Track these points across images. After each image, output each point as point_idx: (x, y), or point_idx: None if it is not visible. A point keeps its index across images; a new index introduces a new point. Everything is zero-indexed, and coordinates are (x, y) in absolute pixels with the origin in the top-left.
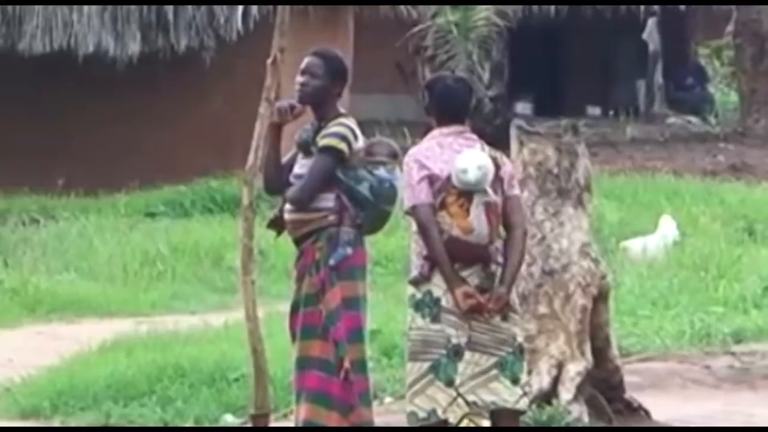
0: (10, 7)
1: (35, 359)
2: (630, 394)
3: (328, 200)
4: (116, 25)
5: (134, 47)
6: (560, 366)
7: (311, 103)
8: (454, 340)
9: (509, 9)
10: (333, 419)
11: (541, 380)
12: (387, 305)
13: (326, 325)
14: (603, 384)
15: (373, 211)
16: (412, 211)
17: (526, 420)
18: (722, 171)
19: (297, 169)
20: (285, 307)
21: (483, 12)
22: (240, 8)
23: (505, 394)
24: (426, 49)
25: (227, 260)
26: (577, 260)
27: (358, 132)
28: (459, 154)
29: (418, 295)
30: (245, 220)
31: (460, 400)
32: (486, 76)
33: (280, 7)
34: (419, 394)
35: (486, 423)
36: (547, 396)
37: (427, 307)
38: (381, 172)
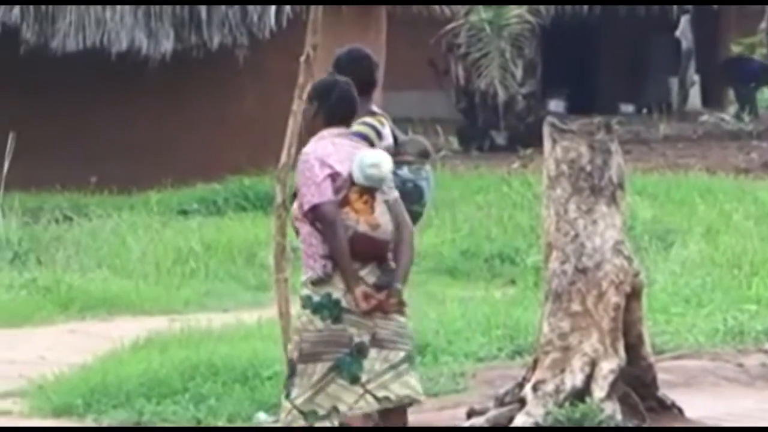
0: (43, 5)
1: (68, 357)
2: (663, 391)
3: None
4: (149, 22)
5: (167, 45)
6: (593, 364)
7: None
8: (357, 339)
9: (542, 7)
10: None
11: (574, 378)
12: (420, 303)
13: None
14: (636, 382)
15: None
16: (317, 209)
17: (560, 418)
18: (755, 168)
19: None
20: None
21: (516, 10)
22: (273, 6)
23: (417, 387)
24: (459, 47)
25: (260, 258)
26: (610, 258)
27: (382, 131)
28: (353, 153)
29: (316, 298)
30: (278, 217)
31: (368, 396)
32: (519, 74)
33: (313, 5)
34: (321, 393)
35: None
36: (580, 394)
37: (327, 309)
38: (404, 172)
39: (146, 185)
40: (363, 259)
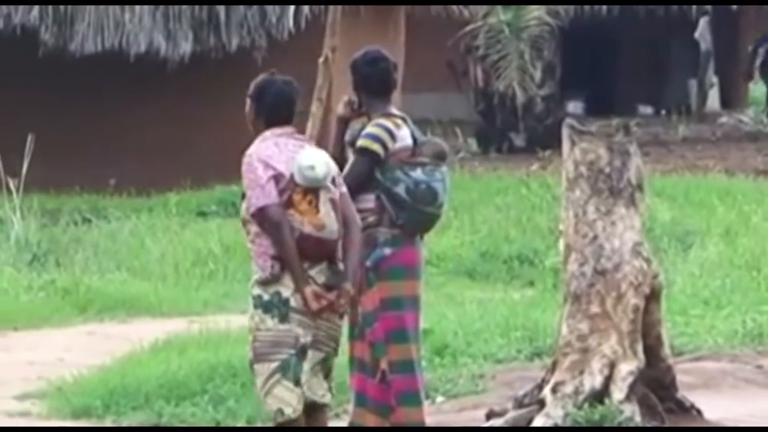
0: (61, 7)
1: (87, 359)
2: (682, 393)
3: (368, 201)
4: (168, 24)
5: (186, 47)
6: (612, 365)
7: (360, 107)
8: (302, 340)
9: (561, 8)
10: (370, 420)
11: (593, 380)
12: (439, 305)
13: (362, 327)
14: (655, 383)
15: (413, 211)
16: (262, 212)
17: (579, 420)
18: None
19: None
20: None
21: (535, 11)
22: (292, 8)
23: (327, 387)
24: (478, 49)
25: None
26: (629, 260)
27: (397, 132)
28: (296, 153)
29: (266, 297)
30: None
31: (310, 394)
32: (538, 76)
33: (331, 7)
34: (268, 394)
35: None
36: (600, 395)
37: (276, 307)
38: (417, 173)
39: (165, 187)
40: (311, 259)
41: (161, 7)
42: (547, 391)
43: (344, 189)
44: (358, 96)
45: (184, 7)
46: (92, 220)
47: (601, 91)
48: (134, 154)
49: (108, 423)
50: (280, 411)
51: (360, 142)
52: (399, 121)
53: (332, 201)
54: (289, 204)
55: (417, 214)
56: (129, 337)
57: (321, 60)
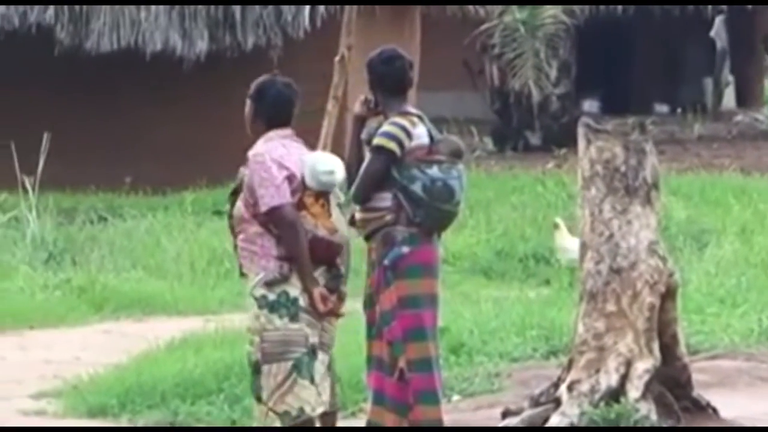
0: (77, 6)
1: (103, 357)
2: (698, 392)
3: (385, 200)
4: (184, 23)
5: (201, 45)
6: (628, 364)
7: (377, 106)
8: (311, 339)
9: (577, 7)
10: (389, 419)
11: (609, 378)
12: (455, 303)
13: (380, 326)
14: (671, 382)
15: (430, 209)
16: (276, 211)
17: (595, 418)
18: None
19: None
20: (352, 305)
21: (550, 10)
22: (307, 6)
23: (333, 391)
24: (493, 47)
25: None
26: (645, 258)
27: (413, 130)
28: (301, 156)
29: (272, 296)
30: None
31: (322, 396)
32: (553, 74)
33: (347, 6)
34: (288, 393)
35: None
36: (615, 394)
37: (284, 307)
38: (434, 171)
39: (181, 185)
40: (315, 262)
41: (177, 5)
42: (563, 390)
43: (342, 197)
44: (374, 94)
45: (199, 6)
46: (108, 218)
47: (616, 90)
48: (150, 153)
49: (124, 422)
50: (301, 409)
51: (376, 141)
52: (415, 120)
53: (339, 206)
54: (300, 206)
55: (434, 212)
56: (145, 336)
57: (337, 59)
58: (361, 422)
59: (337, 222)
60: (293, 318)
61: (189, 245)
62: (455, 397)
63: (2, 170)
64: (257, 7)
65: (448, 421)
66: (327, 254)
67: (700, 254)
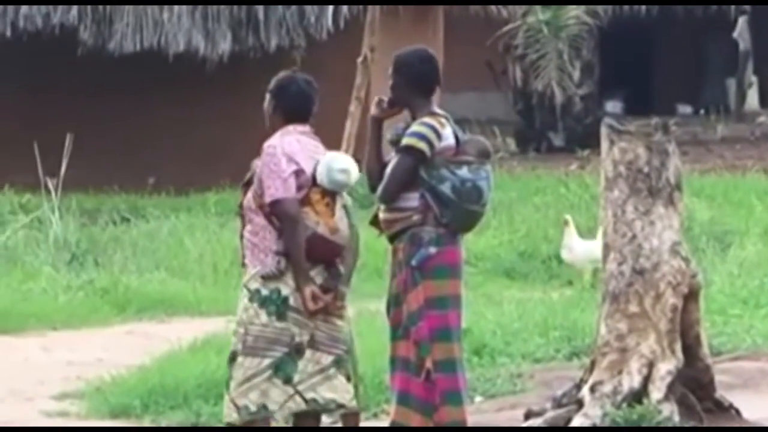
0: (100, 7)
1: (126, 358)
2: (720, 393)
3: (412, 200)
4: (206, 24)
5: (224, 46)
6: (651, 365)
7: (399, 104)
8: (297, 339)
9: (600, 8)
10: (416, 420)
11: (631, 379)
12: (477, 304)
13: (407, 326)
14: (693, 383)
15: (458, 210)
16: (279, 204)
17: (617, 420)
18: None
19: (388, 168)
20: (375, 306)
21: (573, 11)
22: (330, 7)
23: (342, 392)
24: (516, 48)
25: None
26: (668, 259)
27: (442, 131)
28: (316, 154)
29: (265, 292)
30: None
31: (297, 397)
32: (576, 75)
33: (370, 6)
34: (254, 389)
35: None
36: (638, 395)
37: (274, 304)
38: (463, 171)
39: (204, 186)
40: (314, 260)
41: (200, 6)
42: (585, 391)
43: (349, 199)
44: (398, 93)
45: (222, 6)
46: (131, 219)
47: (639, 91)
48: (173, 154)
49: (146, 423)
50: (264, 407)
51: (406, 141)
52: (443, 120)
53: (345, 207)
54: (305, 202)
55: (462, 213)
56: (168, 337)
57: (360, 59)
58: (384, 423)
59: (340, 222)
60: (280, 316)
61: (212, 246)
62: (478, 398)
63: (25, 171)
64: (280, 8)
65: (470, 422)
66: (325, 253)
67: (723, 255)
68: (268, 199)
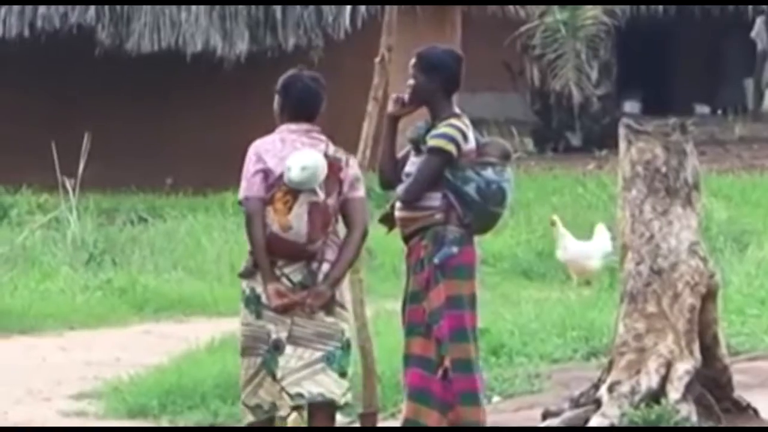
0: (118, 7)
1: (143, 358)
2: (738, 393)
3: (435, 199)
4: (224, 24)
5: (242, 46)
6: (669, 365)
7: (419, 103)
8: (273, 335)
9: (617, 8)
10: (433, 418)
11: (649, 379)
12: (495, 304)
13: (429, 324)
14: (711, 383)
15: (482, 211)
16: (243, 203)
17: (635, 420)
18: None
19: (408, 167)
20: (393, 306)
21: (591, 11)
22: (348, 7)
23: (332, 386)
24: (534, 48)
25: None
26: (686, 259)
27: (468, 133)
28: (298, 152)
29: (247, 291)
30: None
31: (283, 393)
32: (594, 75)
33: (388, 6)
34: (260, 387)
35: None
36: (656, 395)
37: (252, 303)
38: (488, 173)
39: (222, 186)
40: (284, 257)
41: (217, 6)
42: (603, 391)
43: (359, 194)
44: (419, 92)
45: (240, 6)
46: (149, 219)
47: (657, 91)
48: (191, 154)
49: (164, 423)
50: (274, 405)
51: (434, 142)
52: (467, 122)
53: (314, 204)
54: (270, 201)
55: (485, 214)
56: (185, 337)
57: (377, 59)
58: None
59: (295, 220)
60: (258, 315)
61: (229, 246)
62: (495, 398)
63: (43, 171)
64: (298, 8)
65: (488, 421)
66: (284, 251)
67: (740, 255)
68: (238, 198)
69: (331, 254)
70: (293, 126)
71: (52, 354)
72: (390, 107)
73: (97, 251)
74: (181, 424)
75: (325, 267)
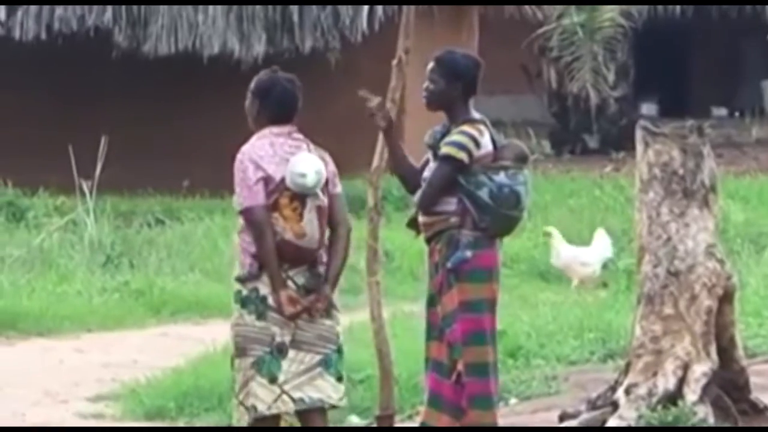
0: (135, 9)
1: (160, 360)
2: (756, 395)
3: (450, 203)
4: (241, 26)
5: (259, 48)
6: (686, 367)
7: (437, 108)
8: (278, 338)
9: (634, 10)
10: (444, 421)
11: (666, 381)
12: (513, 306)
13: (442, 327)
14: (728, 385)
15: (496, 215)
16: (248, 212)
17: (652, 422)
18: None
19: (426, 172)
20: (410, 308)
21: (608, 13)
22: (365, 9)
23: (330, 391)
24: (551, 50)
25: (352, 261)
26: (703, 261)
27: (480, 139)
28: (291, 156)
29: (245, 292)
30: (370, 221)
31: (285, 396)
32: (611, 77)
33: (405, 8)
34: (243, 389)
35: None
36: (673, 397)
37: (253, 304)
38: (501, 177)
39: None
40: (291, 262)
41: (234, 8)
42: (620, 393)
43: (338, 190)
44: (437, 96)
45: (257, 8)
46: (165, 221)
47: (674, 93)
48: (208, 156)
49: (181, 424)
50: (254, 407)
51: (446, 150)
52: (482, 128)
53: (319, 208)
54: (274, 207)
55: (500, 218)
56: (202, 339)
57: (394, 62)
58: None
59: (308, 226)
60: (260, 316)
61: None
62: (513, 400)
63: (60, 173)
64: (315, 10)
65: (505, 423)
66: (296, 257)
67: (758, 257)
68: (238, 207)
69: (324, 256)
70: (276, 129)
71: (69, 356)
72: (378, 122)
73: (115, 253)
74: (198, 425)
75: (321, 268)
